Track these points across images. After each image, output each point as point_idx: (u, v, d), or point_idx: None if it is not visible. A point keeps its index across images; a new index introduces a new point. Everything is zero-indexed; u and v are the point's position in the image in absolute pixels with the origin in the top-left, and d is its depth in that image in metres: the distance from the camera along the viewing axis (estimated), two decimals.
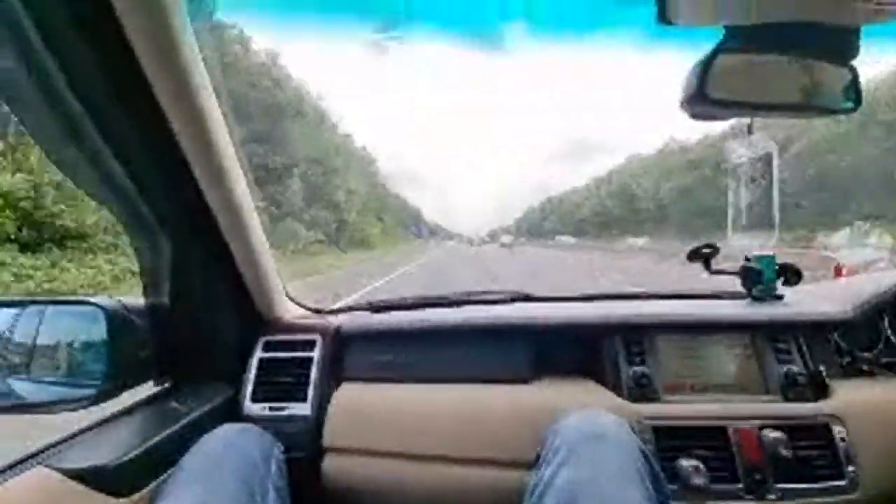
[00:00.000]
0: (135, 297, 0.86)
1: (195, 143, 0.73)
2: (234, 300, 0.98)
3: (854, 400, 0.89)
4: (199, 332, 0.93)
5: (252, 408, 0.95)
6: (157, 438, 0.74)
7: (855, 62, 0.59)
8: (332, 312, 1.22)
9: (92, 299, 0.79)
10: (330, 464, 0.93)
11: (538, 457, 0.70)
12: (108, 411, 0.80)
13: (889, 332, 0.99)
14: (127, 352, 0.82)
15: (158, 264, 0.85)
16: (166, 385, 0.90)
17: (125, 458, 0.67)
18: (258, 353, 1.00)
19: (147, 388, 0.89)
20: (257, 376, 0.98)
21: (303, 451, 0.91)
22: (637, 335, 0.98)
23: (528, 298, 1.23)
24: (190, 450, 0.69)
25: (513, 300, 1.23)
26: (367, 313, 1.21)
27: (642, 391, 0.91)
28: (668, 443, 0.84)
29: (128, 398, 0.84)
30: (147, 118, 0.67)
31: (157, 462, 0.71)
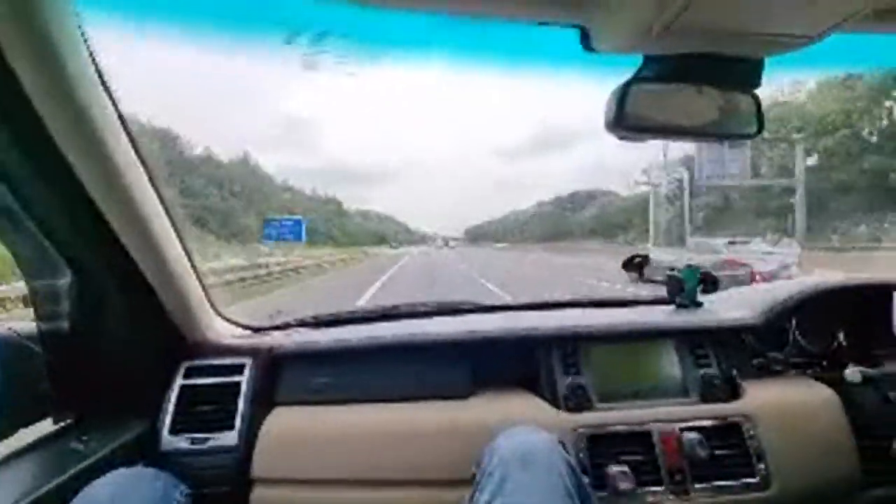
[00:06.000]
0: (29, 323, 0.76)
1: (85, 157, 0.65)
2: (149, 325, 0.89)
3: (764, 399, 0.96)
4: (107, 362, 0.84)
5: (171, 441, 0.86)
6: (54, 483, 0.66)
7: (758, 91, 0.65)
8: (268, 330, 1.16)
9: None
10: (258, 497, 0.87)
11: (473, 477, 0.71)
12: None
13: (796, 333, 1.09)
14: (21, 385, 0.73)
15: (55, 288, 0.75)
16: (68, 421, 0.81)
17: None
18: (179, 381, 0.92)
19: (46, 426, 0.79)
20: (178, 406, 0.90)
21: (227, 485, 0.85)
22: (572, 346, 1.00)
23: (468, 310, 1.24)
24: (71, 501, 0.60)
25: (453, 311, 1.23)
26: (306, 329, 1.17)
27: (578, 401, 0.93)
28: (600, 450, 0.87)
29: (22, 438, 0.74)
30: (29, 132, 0.59)
31: None
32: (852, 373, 0.86)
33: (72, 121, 0.62)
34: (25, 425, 0.75)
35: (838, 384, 0.96)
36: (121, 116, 0.70)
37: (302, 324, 1.20)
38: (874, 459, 0.91)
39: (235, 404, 0.91)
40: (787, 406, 0.96)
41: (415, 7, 0.54)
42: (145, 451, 0.84)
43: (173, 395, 0.91)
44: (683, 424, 0.90)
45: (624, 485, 0.80)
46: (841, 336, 1.09)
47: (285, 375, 1.01)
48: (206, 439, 0.87)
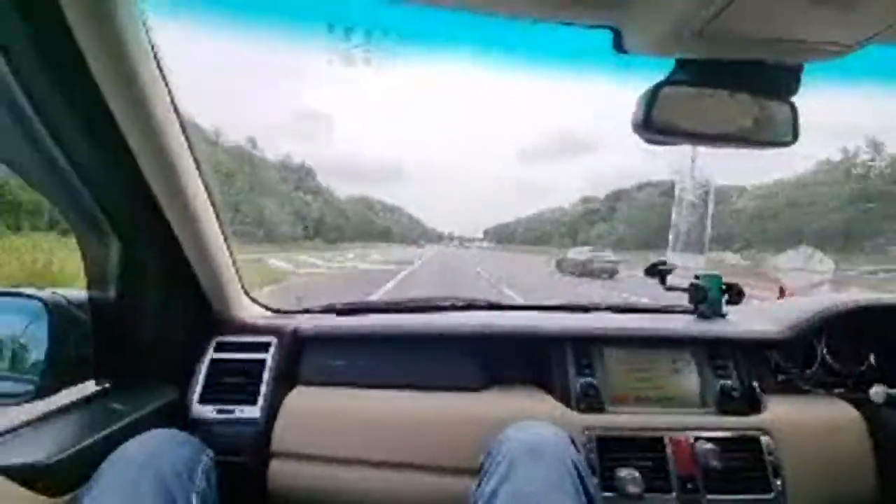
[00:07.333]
0: (78, 291, 0.82)
1: (142, 138, 0.71)
2: (186, 299, 0.95)
3: (784, 415, 0.94)
4: (145, 331, 0.89)
5: (199, 410, 0.92)
6: (91, 439, 0.71)
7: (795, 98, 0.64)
8: (292, 313, 1.21)
9: (33, 292, 0.76)
10: (276, 469, 0.91)
11: (482, 466, 0.72)
12: (45, 409, 0.77)
13: (825, 352, 1.05)
14: (68, 348, 0.79)
15: (105, 260, 0.82)
16: (107, 385, 0.87)
17: (58, 458, 0.64)
18: (210, 354, 0.98)
19: (88, 387, 0.85)
20: (208, 377, 0.95)
21: (249, 455, 0.90)
22: (587, 347, 1.00)
23: (487, 306, 1.26)
24: (109, 457, 0.65)
25: (473, 307, 1.25)
26: (327, 316, 1.21)
27: (589, 402, 0.94)
28: (610, 453, 0.87)
29: (65, 396, 0.80)
30: (93, 113, 0.65)
31: (91, 464, 0.68)
32: (877, 392, 0.83)
33: (133, 105, 0.67)
34: (70, 385, 0.82)
35: (864, 405, 0.93)
36: (175, 105, 0.75)
37: (325, 310, 1.24)
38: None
39: (260, 380, 0.95)
40: (809, 423, 0.93)
41: (442, 4, 0.55)
42: (175, 417, 0.89)
43: (204, 367, 0.96)
44: (698, 434, 0.89)
45: (633, 489, 0.80)
46: (872, 357, 1.05)
47: (307, 357, 1.05)
48: (232, 411, 0.92)
